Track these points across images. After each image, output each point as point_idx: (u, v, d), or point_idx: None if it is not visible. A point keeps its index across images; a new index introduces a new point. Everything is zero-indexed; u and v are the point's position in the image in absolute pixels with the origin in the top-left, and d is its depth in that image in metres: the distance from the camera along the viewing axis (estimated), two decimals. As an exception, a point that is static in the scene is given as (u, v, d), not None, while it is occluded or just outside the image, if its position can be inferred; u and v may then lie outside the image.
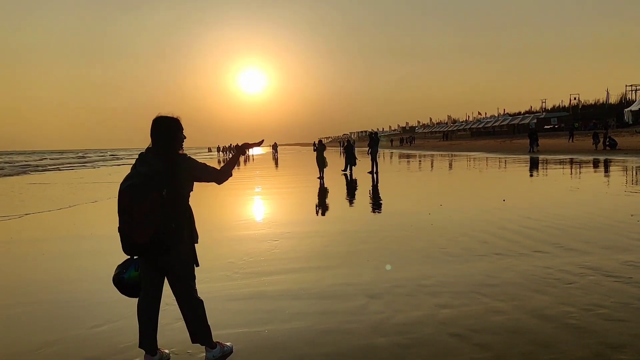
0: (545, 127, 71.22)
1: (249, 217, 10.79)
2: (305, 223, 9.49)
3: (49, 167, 44.09)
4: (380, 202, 12.62)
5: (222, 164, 3.54)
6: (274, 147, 66.45)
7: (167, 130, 3.31)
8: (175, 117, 3.37)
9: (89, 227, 9.99)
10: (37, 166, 46.41)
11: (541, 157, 29.36)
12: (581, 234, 7.23)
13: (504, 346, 3.58)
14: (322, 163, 19.95)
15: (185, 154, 3.39)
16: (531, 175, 18.43)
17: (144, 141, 3.38)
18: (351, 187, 16.58)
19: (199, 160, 3.48)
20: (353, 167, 21.60)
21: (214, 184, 3.51)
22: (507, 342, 3.65)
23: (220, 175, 3.46)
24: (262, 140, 3.72)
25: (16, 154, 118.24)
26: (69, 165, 49.57)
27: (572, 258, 5.85)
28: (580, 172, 18.92)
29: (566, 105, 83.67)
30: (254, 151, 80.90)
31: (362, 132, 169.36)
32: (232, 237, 8.16)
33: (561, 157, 28.27)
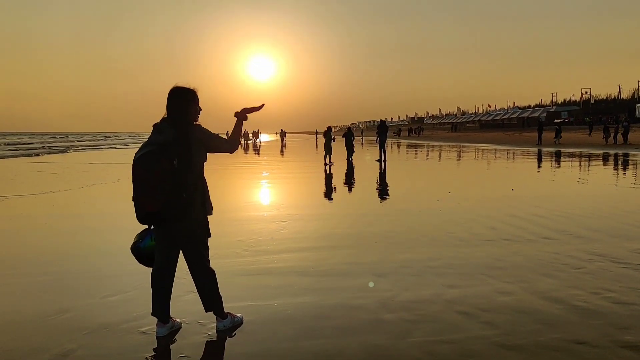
0: (555, 120, 70.69)
1: (258, 200, 10.85)
2: (312, 206, 9.53)
3: (90, 147, 48.05)
4: (388, 188, 12.63)
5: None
6: (282, 134, 66.32)
7: (181, 100, 3.33)
8: (191, 88, 3.39)
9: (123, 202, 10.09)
10: (78, 146, 50.15)
11: (554, 149, 29.20)
12: (590, 222, 7.22)
13: (510, 325, 3.61)
14: (329, 150, 20.01)
15: (200, 125, 3.41)
16: (540, 167, 18.35)
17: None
18: (359, 173, 16.59)
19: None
20: (352, 154, 21.60)
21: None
22: (514, 320, 3.68)
23: (231, 145, 3.51)
24: (263, 105, 3.61)
25: (39, 135, 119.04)
26: (105, 145, 52.22)
27: (581, 245, 5.86)
28: (590, 165, 18.82)
29: (577, 100, 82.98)
30: (261, 137, 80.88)
31: (369, 121, 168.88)
32: (241, 217, 8.21)
33: (573, 150, 28.11)
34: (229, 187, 13.19)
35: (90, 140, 72.14)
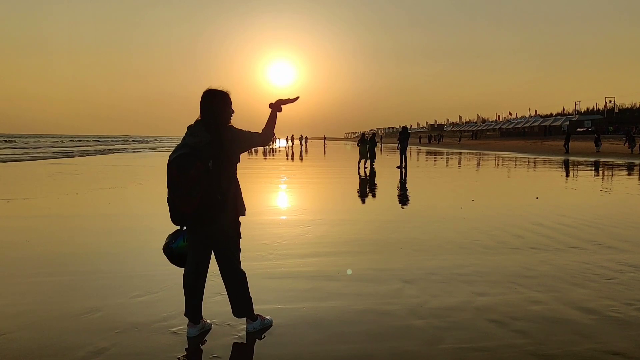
0: (578, 129, 69.74)
1: (280, 204, 10.88)
2: (335, 211, 9.51)
3: (128, 150, 50.44)
4: (410, 195, 12.56)
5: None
6: (304, 139, 67.21)
7: (214, 103, 3.35)
8: (224, 90, 3.41)
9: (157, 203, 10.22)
10: (117, 149, 52.45)
11: (574, 158, 28.79)
12: (619, 232, 7.09)
13: (543, 334, 3.56)
14: (365, 154, 20.67)
15: (232, 126, 3.43)
16: (568, 176, 18.08)
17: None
18: (380, 180, 16.54)
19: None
20: (374, 160, 21.59)
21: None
22: (547, 330, 3.63)
23: (263, 138, 3.51)
24: (298, 97, 3.59)
25: (67, 137, 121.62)
26: (139, 149, 53.60)
27: (611, 255, 5.75)
28: (613, 175, 18.48)
29: (600, 109, 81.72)
30: (280, 143, 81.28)
31: (389, 128, 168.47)
32: (265, 221, 8.23)
33: (602, 159, 27.68)
34: (252, 191, 13.24)
35: (131, 143, 74.43)
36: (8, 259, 5.76)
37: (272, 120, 3.56)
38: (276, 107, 3.56)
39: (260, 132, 3.53)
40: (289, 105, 3.60)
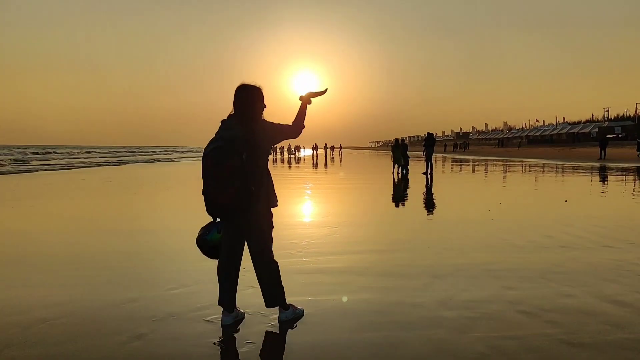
0: (608, 136, 68.32)
1: (306, 207, 10.97)
2: (361, 214, 9.58)
3: (173, 159, 52.60)
4: (436, 199, 12.52)
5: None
6: (331, 148, 68.42)
7: (247, 97, 3.47)
8: (257, 85, 3.53)
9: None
10: (159, 158, 54.95)
11: (611, 164, 28.23)
12: (652, 233, 6.98)
13: (575, 324, 3.55)
14: (399, 160, 21.22)
15: (264, 119, 3.54)
16: (603, 181, 17.77)
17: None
18: (406, 185, 16.53)
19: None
20: (400, 167, 21.62)
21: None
22: (579, 321, 3.62)
23: (294, 130, 3.61)
24: (327, 89, 3.70)
25: (97, 148, 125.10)
26: (174, 159, 54.93)
27: (644, 253, 5.67)
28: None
29: (631, 115, 79.92)
30: (304, 152, 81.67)
31: (414, 136, 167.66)
32: (291, 222, 8.32)
33: (625, 164, 27.09)
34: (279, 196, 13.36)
35: (171, 152, 77.40)
36: (48, 255, 5.99)
37: (302, 112, 3.65)
38: (306, 99, 3.65)
39: (291, 124, 3.63)
40: (315, 116, 3.70)
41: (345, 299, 4.19)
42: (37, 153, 60.56)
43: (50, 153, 62.08)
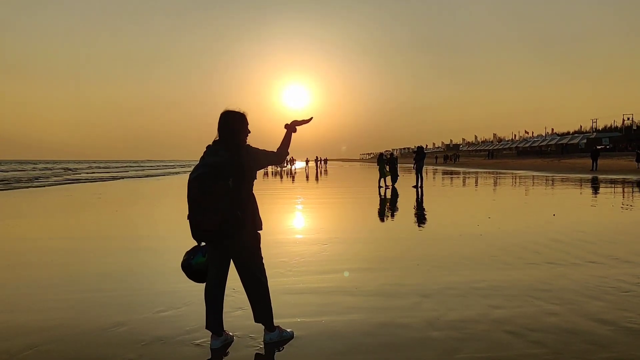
0: (596, 147, 69.05)
1: (296, 223, 10.99)
2: (352, 230, 9.61)
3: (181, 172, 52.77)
4: (426, 213, 12.60)
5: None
6: (324, 160, 69.29)
7: (232, 123, 3.52)
8: (241, 111, 3.58)
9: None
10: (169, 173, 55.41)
11: (614, 176, 28.52)
12: (637, 248, 7.07)
13: (560, 344, 3.60)
14: (383, 173, 21.66)
15: (249, 145, 3.60)
16: (595, 194, 17.95)
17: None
18: (396, 199, 16.61)
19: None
20: (396, 179, 21.91)
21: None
22: (563, 340, 3.67)
23: (278, 157, 3.69)
24: (311, 118, 3.75)
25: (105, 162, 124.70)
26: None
27: (628, 269, 5.76)
28: (634, 192, 18.31)
29: (619, 126, 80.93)
30: (297, 164, 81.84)
31: (404, 148, 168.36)
32: (282, 240, 8.35)
33: (616, 176, 27.38)
34: (270, 212, 13.39)
35: (174, 167, 77.61)
36: (35, 278, 5.95)
37: (286, 140, 3.73)
38: (291, 127, 3.73)
39: (276, 151, 3.70)
40: (303, 126, 3.77)
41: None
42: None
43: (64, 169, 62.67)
